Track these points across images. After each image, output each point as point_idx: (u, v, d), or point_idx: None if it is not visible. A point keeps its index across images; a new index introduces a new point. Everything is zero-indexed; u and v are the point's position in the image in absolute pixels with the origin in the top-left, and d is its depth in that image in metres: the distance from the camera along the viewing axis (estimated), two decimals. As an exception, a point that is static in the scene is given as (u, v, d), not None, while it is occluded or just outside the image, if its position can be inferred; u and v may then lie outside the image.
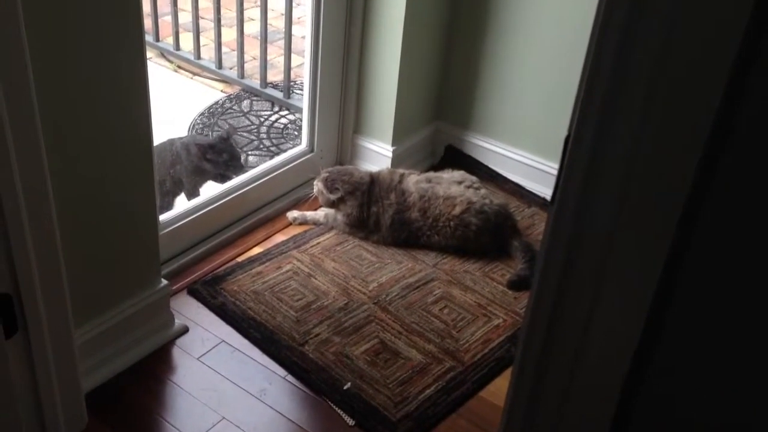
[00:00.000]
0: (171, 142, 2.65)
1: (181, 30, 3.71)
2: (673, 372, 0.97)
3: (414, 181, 2.50)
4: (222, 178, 2.63)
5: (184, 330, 2.10)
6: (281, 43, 3.53)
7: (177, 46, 3.71)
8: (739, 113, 0.79)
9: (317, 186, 2.51)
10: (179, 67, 3.72)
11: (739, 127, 0.80)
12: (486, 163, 2.82)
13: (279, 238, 2.47)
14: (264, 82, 3.48)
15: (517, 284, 2.31)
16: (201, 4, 3.63)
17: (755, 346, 0.90)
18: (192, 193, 2.63)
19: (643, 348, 0.95)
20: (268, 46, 3.51)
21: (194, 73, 3.67)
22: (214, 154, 2.59)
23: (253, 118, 3.33)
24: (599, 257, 0.91)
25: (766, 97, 0.78)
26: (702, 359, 0.94)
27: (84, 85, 1.62)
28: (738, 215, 0.84)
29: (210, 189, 2.58)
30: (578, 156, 0.86)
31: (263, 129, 3.27)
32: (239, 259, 2.36)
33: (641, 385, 0.99)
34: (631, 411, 1.01)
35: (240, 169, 2.63)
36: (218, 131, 3.13)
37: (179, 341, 2.07)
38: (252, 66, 3.62)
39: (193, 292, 2.22)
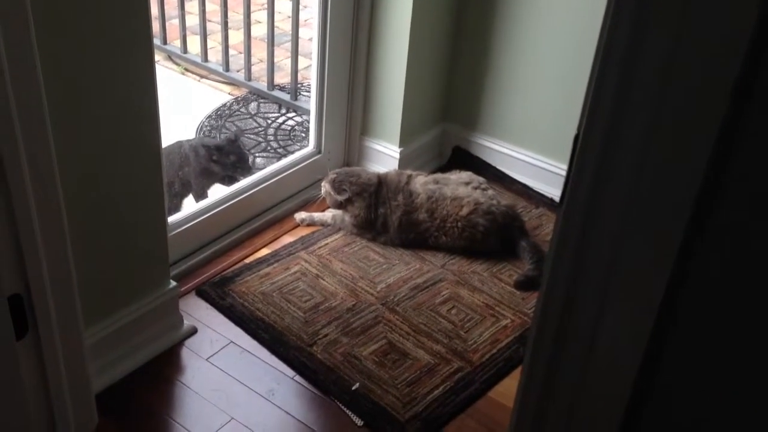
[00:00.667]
0: (179, 145, 2.66)
1: (188, 33, 3.73)
2: (684, 371, 0.97)
3: (421, 182, 2.50)
4: (229, 180, 2.64)
5: (193, 331, 2.11)
6: (288, 45, 3.54)
7: (184, 49, 3.72)
8: (753, 106, 0.79)
9: (325, 187, 2.51)
10: (186, 69, 3.73)
11: (752, 119, 0.80)
12: (493, 163, 2.82)
13: (287, 239, 2.48)
14: (271, 85, 3.49)
15: (524, 284, 2.31)
16: (208, 7, 3.65)
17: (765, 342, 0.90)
18: (200, 195, 2.64)
19: (653, 347, 0.95)
20: (275, 48, 3.52)
21: (202, 76, 3.69)
22: (222, 156, 2.60)
23: (260, 120, 3.34)
24: (608, 257, 0.91)
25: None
26: (712, 357, 0.94)
27: (92, 87, 1.63)
28: (751, 212, 0.84)
29: (218, 191, 2.59)
30: (587, 155, 0.86)
31: (270, 131, 3.28)
32: (247, 261, 2.36)
33: (652, 384, 0.99)
34: (641, 410, 1.01)
35: (248, 171, 2.64)
36: (226, 133, 3.15)
37: (188, 342, 2.08)
38: (259, 68, 3.63)
39: (202, 293, 2.23)
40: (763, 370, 0.91)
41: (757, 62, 0.76)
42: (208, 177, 2.65)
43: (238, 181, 2.57)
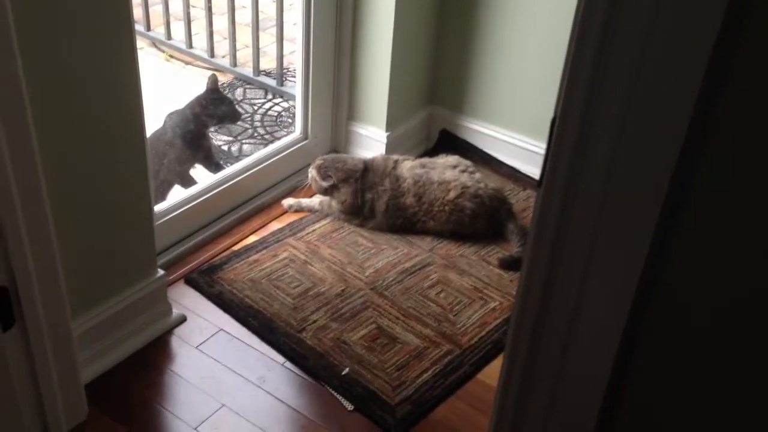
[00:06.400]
0: (163, 131, 2.64)
1: (172, 19, 3.69)
2: (663, 349, 0.98)
3: (408, 167, 2.50)
4: (215, 168, 2.63)
5: (182, 319, 2.11)
6: (273, 30, 3.52)
7: (168, 36, 3.69)
8: (727, 85, 0.79)
9: (311, 173, 2.51)
10: (171, 56, 3.70)
11: (723, 102, 0.80)
12: (481, 146, 2.82)
13: (275, 225, 2.47)
14: (257, 70, 3.47)
15: (508, 263, 2.32)
16: (192, -8, 3.61)
17: (750, 319, 0.90)
18: (185, 178, 2.61)
19: (632, 326, 0.95)
20: (260, 33, 3.49)
21: (187, 62, 3.66)
22: (212, 104, 2.61)
23: (246, 107, 3.33)
24: (587, 237, 0.92)
25: (754, 64, 0.79)
26: (692, 334, 0.95)
27: (73, 77, 1.62)
28: (723, 187, 0.85)
29: (204, 178, 2.58)
30: (564, 137, 0.87)
31: (257, 117, 3.27)
32: (235, 248, 2.36)
33: (632, 363, 1.00)
34: (622, 389, 1.02)
35: (238, 114, 2.73)
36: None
37: (177, 330, 2.08)
38: (244, 54, 3.61)
39: (190, 281, 2.23)
40: (741, 345, 0.92)
41: (738, 23, 0.76)
42: (196, 149, 2.62)
43: (229, 124, 2.74)
